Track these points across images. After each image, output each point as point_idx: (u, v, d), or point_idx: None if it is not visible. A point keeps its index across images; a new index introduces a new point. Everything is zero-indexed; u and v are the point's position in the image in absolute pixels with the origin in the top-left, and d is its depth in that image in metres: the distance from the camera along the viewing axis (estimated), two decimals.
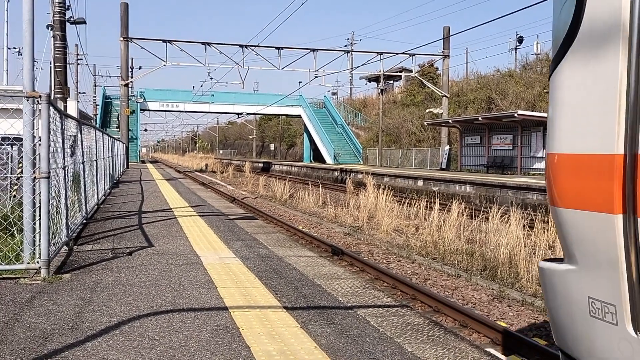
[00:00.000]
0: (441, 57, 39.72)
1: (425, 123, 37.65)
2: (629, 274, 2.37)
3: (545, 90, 32.86)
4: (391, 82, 59.13)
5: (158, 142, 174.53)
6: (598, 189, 2.41)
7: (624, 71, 2.32)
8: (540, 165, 25.84)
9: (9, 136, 9.93)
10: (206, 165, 60.29)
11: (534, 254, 8.82)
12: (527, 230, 10.44)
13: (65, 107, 18.20)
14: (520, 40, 48.85)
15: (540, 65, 40.04)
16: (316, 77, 41.17)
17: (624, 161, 2.31)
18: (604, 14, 2.44)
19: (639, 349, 2.32)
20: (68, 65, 20.02)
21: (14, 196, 9.42)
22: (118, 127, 42.95)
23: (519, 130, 27.48)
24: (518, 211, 10.90)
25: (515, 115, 24.84)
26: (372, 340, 3.92)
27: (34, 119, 5.85)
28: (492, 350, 4.73)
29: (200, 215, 11.18)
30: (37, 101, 5.72)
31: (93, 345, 3.72)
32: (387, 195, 15.22)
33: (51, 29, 18.52)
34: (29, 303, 4.70)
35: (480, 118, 28.30)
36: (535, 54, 43.43)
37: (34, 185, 5.86)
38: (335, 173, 36.04)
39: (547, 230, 10.10)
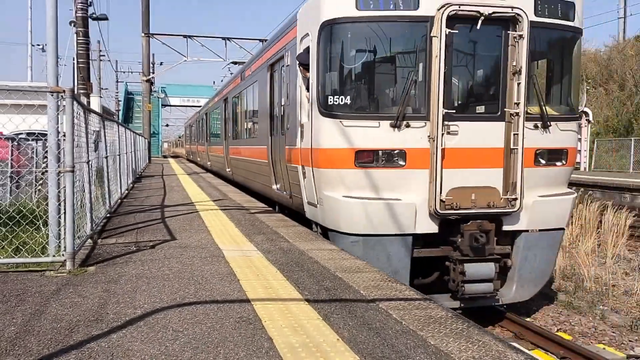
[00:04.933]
0: None
1: None
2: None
3: None
4: None
5: (179, 137, 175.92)
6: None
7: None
8: None
9: (34, 131, 10.11)
10: None
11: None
12: None
13: (88, 102, 18.41)
14: None
15: None
16: None
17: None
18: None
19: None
20: (90, 62, 20.24)
21: (40, 190, 9.58)
22: (140, 122, 43.40)
23: None
24: None
25: None
26: (394, 333, 3.90)
27: (58, 114, 5.93)
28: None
29: (221, 209, 11.24)
30: (62, 96, 5.79)
31: (118, 336, 3.76)
32: None
33: (74, 26, 18.74)
34: (54, 295, 4.78)
35: None
36: None
37: (58, 179, 5.95)
38: None
39: None
